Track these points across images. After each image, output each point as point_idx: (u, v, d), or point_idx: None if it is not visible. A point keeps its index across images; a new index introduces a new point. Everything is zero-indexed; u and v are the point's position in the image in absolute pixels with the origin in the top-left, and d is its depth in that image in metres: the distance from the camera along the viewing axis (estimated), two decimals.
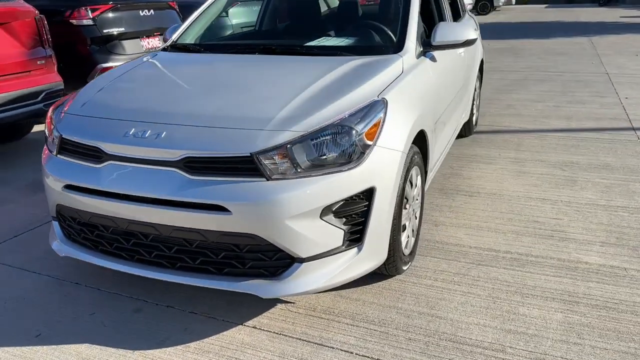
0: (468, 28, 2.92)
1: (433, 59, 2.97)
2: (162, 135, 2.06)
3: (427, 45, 2.88)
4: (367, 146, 2.08)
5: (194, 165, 2.00)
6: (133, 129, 2.12)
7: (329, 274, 2.08)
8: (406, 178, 2.37)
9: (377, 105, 2.20)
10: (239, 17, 7.20)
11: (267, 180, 1.94)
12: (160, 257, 2.16)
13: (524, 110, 5.91)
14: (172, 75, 2.63)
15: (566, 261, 2.72)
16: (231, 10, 7.04)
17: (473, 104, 4.71)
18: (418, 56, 2.82)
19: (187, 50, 3.12)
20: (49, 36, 4.68)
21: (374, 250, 2.19)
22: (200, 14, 3.47)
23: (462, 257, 2.78)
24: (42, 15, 4.65)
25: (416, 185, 2.64)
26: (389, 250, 2.33)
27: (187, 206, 1.99)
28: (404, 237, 2.50)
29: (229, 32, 5.62)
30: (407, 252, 2.59)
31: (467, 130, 4.84)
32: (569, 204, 3.41)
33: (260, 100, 2.21)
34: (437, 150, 3.13)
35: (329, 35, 3.12)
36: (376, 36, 3.01)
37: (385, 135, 2.16)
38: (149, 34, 6.28)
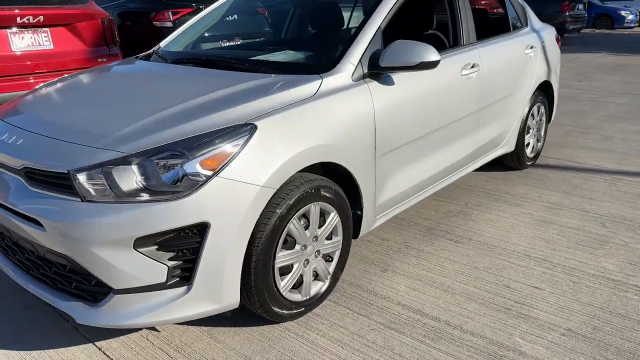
0: (427, 49, 2.46)
1: (387, 82, 2.56)
2: (18, 143, 2.08)
3: (375, 67, 2.49)
4: (203, 175, 1.86)
5: (32, 176, 1.99)
6: (7, 134, 2.18)
7: (150, 311, 1.91)
8: (287, 216, 2.08)
9: (235, 131, 1.96)
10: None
11: (82, 201, 1.84)
12: (20, 260, 2.19)
13: (619, 146, 4.89)
14: (90, 84, 2.65)
15: (498, 346, 2.15)
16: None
17: (525, 133, 4.01)
18: (358, 79, 2.45)
19: (149, 58, 3.10)
20: (115, 36, 5.11)
21: (211, 293, 1.95)
22: (197, 21, 3.47)
23: (377, 315, 2.36)
24: (110, 18, 5.09)
25: (326, 226, 2.31)
26: (250, 295, 2.07)
27: (21, 216, 1.98)
28: (286, 280, 2.21)
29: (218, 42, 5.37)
30: (298, 297, 2.28)
31: (515, 162, 4.14)
32: (570, 271, 2.71)
33: (119, 115, 2.11)
34: (393, 188, 2.71)
35: (285, 49, 2.87)
36: (314, 52, 2.70)
37: (237, 165, 1.91)
38: (229, 38, 6.51)
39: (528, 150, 4.21)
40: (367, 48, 2.51)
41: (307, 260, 2.29)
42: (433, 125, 2.88)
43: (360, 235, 2.63)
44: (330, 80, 2.36)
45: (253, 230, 2.02)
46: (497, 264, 2.80)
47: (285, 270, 2.22)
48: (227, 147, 1.92)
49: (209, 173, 1.87)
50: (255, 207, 1.96)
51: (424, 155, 2.91)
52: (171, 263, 1.89)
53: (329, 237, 2.40)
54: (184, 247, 1.89)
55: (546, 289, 2.56)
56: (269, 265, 2.09)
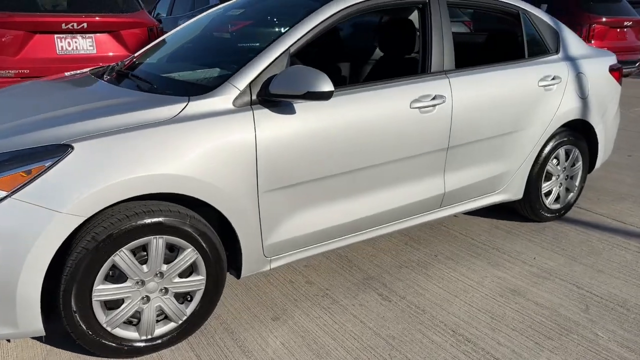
0: (318, 77, 2.13)
1: (285, 111, 2.26)
2: None
3: (266, 94, 2.22)
4: None
5: None
6: None
7: None
8: (109, 248, 1.94)
9: (44, 152, 1.86)
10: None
11: None
12: None
13: None
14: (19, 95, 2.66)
15: None
16: None
17: (540, 179, 3.35)
18: (243, 105, 2.20)
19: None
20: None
21: (4, 316, 1.88)
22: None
23: None
24: (159, 27, 5.35)
25: (176, 262, 2.11)
26: (69, 324, 1.97)
27: None
28: (112, 316, 2.05)
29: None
30: (134, 335, 2.12)
31: (529, 212, 3.48)
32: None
33: None
34: (294, 229, 2.40)
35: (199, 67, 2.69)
36: (208, 73, 2.47)
37: (37, 188, 1.81)
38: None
39: (548, 200, 3.51)
40: (261, 73, 2.25)
41: (147, 297, 2.11)
42: (354, 163, 2.50)
43: (243, 275, 2.37)
44: (201, 104, 2.15)
45: (61, 259, 1.90)
46: (408, 334, 2.34)
47: (114, 305, 2.07)
48: (29, 168, 1.83)
49: (3, 194, 1.80)
50: (56, 234, 1.84)
51: (343, 195, 2.54)
52: None
53: (187, 275, 2.19)
54: None
55: None
56: (86, 297, 1.96)
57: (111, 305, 2.07)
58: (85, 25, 4.83)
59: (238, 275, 2.38)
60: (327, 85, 2.15)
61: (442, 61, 2.82)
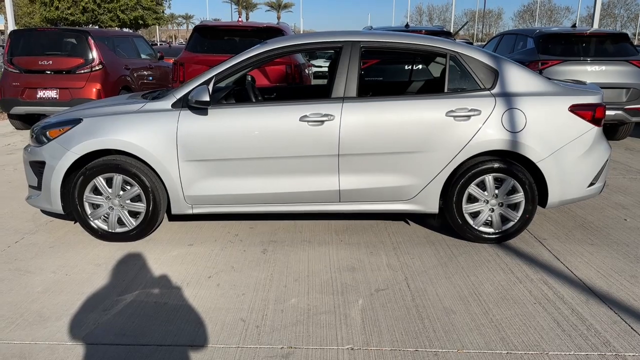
0: (200, 93, 3.52)
1: (200, 113, 3.66)
2: None
3: (187, 102, 3.70)
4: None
5: None
6: None
7: None
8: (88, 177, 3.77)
9: (71, 120, 3.78)
10: None
11: None
12: None
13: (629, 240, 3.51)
14: None
15: None
16: None
17: (461, 201, 3.78)
18: (176, 107, 3.73)
19: None
20: (295, 77, 7.14)
21: (47, 200, 3.86)
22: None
23: None
24: (296, 65, 7.15)
25: (128, 191, 3.80)
26: None
27: None
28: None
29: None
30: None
31: (457, 228, 3.88)
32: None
33: None
34: (204, 189, 3.78)
35: None
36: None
37: (65, 137, 3.74)
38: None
39: (476, 222, 3.85)
40: (192, 90, 3.74)
41: (112, 208, 3.84)
42: (252, 153, 3.71)
43: (173, 212, 3.88)
44: (153, 104, 3.79)
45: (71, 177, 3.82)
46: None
47: (96, 207, 3.87)
48: (63, 128, 3.78)
49: (50, 138, 3.79)
50: (67, 161, 3.73)
51: (248, 174, 3.76)
52: None
53: (137, 201, 3.84)
54: None
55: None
56: (82, 198, 3.82)
57: (95, 207, 3.87)
58: None
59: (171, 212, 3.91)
60: (205, 97, 3.52)
61: (343, 90, 3.76)
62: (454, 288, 3.19)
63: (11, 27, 12.68)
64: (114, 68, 8.62)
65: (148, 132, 3.72)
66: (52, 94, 8.25)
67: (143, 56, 10.15)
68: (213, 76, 3.77)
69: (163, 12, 30.33)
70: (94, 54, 8.30)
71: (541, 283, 3.27)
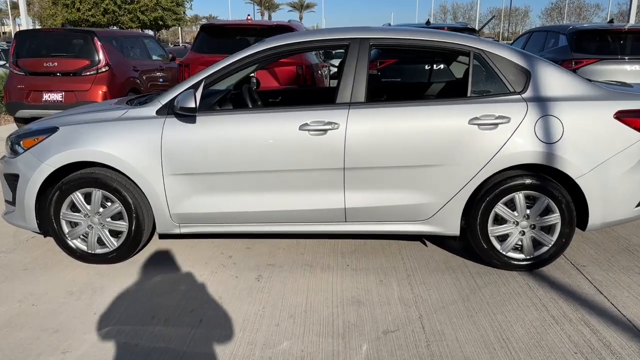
0: (186, 99, 3.08)
1: (187, 121, 3.22)
2: None
3: (173, 109, 3.27)
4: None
5: None
6: None
7: None
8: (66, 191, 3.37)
9: (48, 129, 3.39)
10: None
11: None
12: None
13: None
14: None
15: None
16: None
17: (487, 222, 3.26)
18: (160, 114, 3.29)
19: None
20: (307, 80, 6.68)
21: (21, 216, 3.47)
22: None
23: None
24: (307, 66, 6.69)
25: (108, 208, 3.38)
26: None
27: None
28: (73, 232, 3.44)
29: None
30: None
31: (481, 253, 3.37)
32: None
33: None
34: (193, 207, 3.34)
35: None
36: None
37: (39, 148, 3.34)
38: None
39: (504, 247, 3.33)
40: (177, 95, 3.30)
41: (91, 226, 3.43)
42: (247, 167, 3.25)
43: (158, 231, 3.45)
44: (136, 111, 3.36)
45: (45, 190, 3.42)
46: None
47: (75, 225, 3.46)
48: (38, 137, 3.39)
49: (25, 149, 3.40)
50: (41, 175, 3.33)
51: (242, 190, 3.30)
52: None
53: (118, 219, 3.42)
54: None
55: None
56: (58, 216, 3.41)
57: (73, 225, 3.47)
58: None
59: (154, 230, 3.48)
60: (191, 103, 3.08)
61: (350, 94, 3.28)
62: (477, 331, 2.68)
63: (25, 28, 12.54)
64: (121, 70, 8.27)
65: (129, 142, 3.30)
66: (57, 96, 7.94)
67: (154, 57, 9.81)
68: (202, 79, 3.33)
69: (183, 13, 30.21)
70: (100, 56, 7.96)
71: (582, 324, 2.74)
